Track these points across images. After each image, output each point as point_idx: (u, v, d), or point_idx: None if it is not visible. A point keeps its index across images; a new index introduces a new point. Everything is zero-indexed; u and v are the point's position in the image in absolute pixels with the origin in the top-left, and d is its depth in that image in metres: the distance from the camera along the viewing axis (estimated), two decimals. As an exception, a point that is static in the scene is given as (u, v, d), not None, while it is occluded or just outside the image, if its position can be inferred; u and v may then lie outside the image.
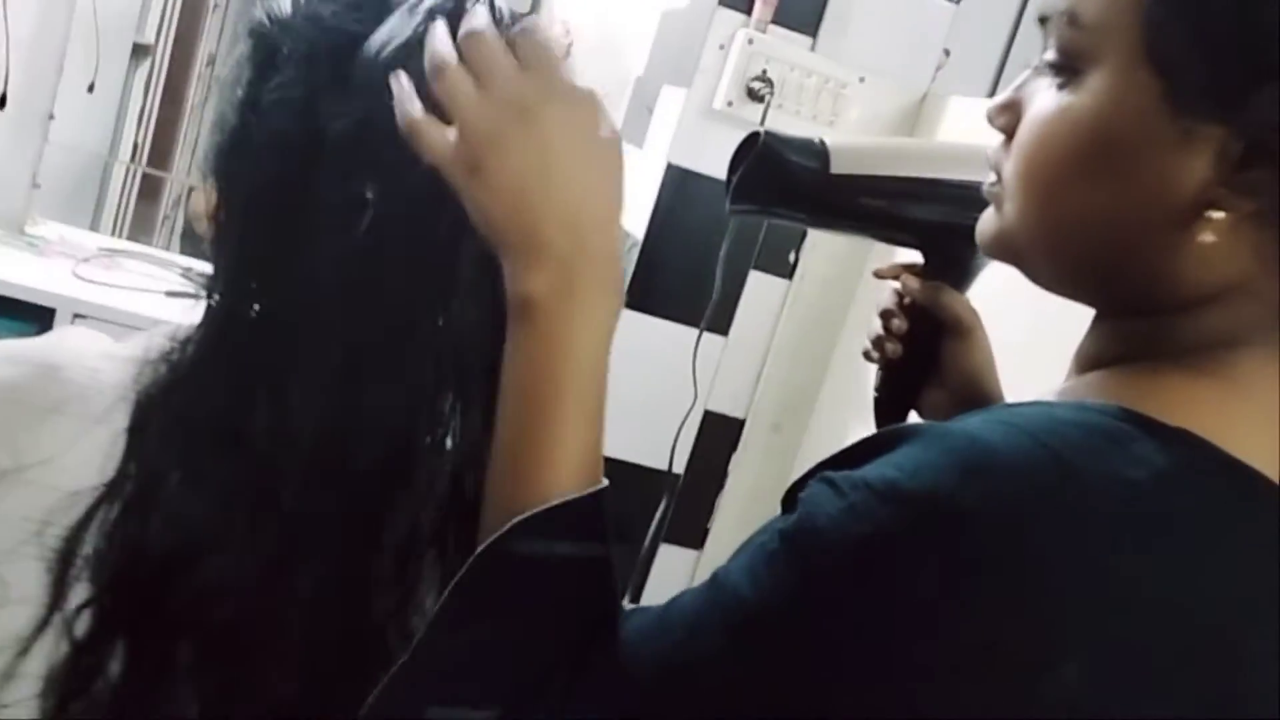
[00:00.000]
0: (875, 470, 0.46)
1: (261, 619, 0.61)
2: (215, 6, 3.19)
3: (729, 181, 0.79)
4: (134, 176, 3.11)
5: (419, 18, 0.62)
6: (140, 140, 3.13)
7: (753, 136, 0.78)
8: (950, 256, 0.77)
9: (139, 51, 3.05)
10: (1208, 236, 0.47)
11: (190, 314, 0.65)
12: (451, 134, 0.55)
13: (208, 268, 0.67)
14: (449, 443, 0.66)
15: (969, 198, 0.63)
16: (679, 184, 1.59)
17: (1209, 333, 0.49)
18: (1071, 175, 0.50)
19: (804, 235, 1.67)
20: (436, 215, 0.60)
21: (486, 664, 0.53)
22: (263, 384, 0.62)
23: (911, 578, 0.44)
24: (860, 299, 1.68)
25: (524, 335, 0.55)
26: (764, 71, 1.52)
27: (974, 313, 0.79)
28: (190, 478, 0.61)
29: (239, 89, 0.65)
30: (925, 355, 0.79)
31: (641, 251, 1.63)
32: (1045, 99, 0.51)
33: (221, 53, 3.20)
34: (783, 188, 0.78)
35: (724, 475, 1.75)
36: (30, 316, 1.59)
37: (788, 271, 1.68)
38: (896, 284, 0.81)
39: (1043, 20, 0.52)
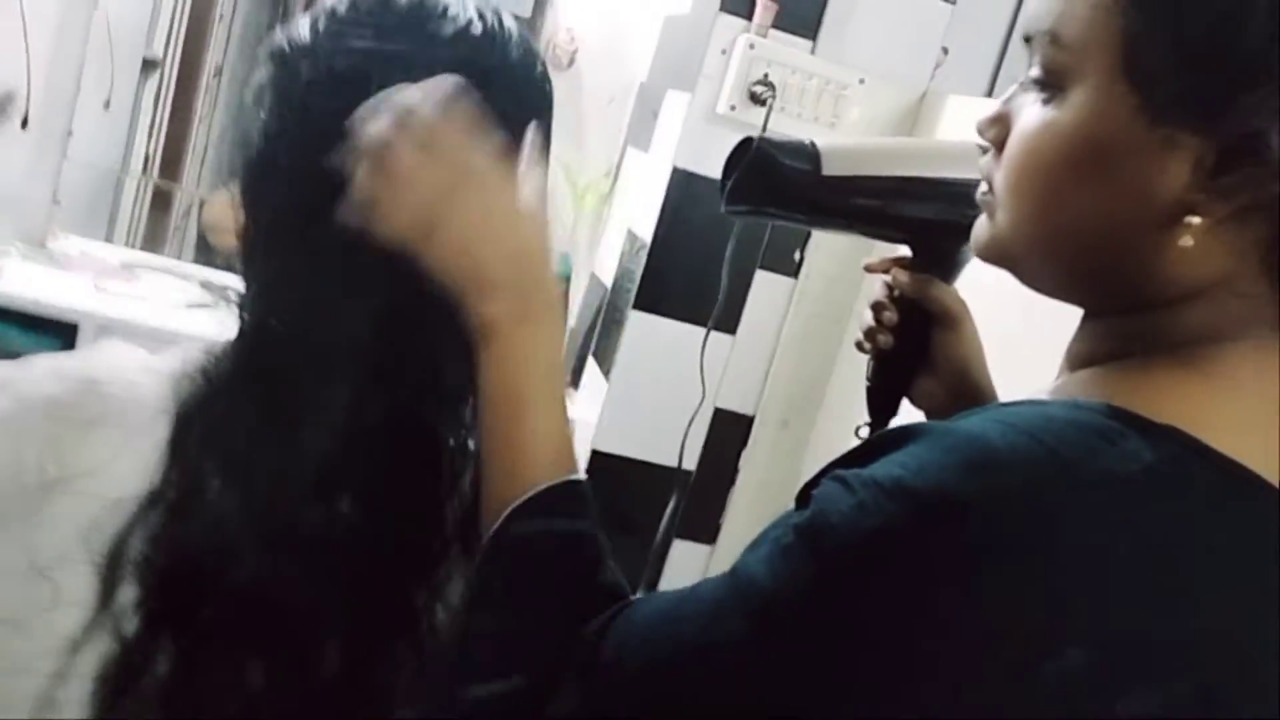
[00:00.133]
0: (883, 469, 0.49)
1: (301, 615, 0.64)
2: (221, 17, 3.23)
3: (723, 184, 0.81)
4: (146, 188, 3.15)
5: (438, 44, 0.65)
6: (151, 152, 3.16)
7: (746, 141, 0.81)
8: (938, 251, 0.80)
9: (147, 65, 3.08)
10: (1188, 239, 0.50)
11: (222, 328, 0.68)
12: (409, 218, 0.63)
13: (226, 279, 0.70)
14: (471, 445, 0.70)
15: (955, 194, 0.66)
16: (685, 187, 1.62)
17: (1194, 329, 0.52)
18: (1058, 185, 0.53)
19: (808, 234, 1.70)
20: None
21: (508, 638, 0.59)
22: (295, 395, 0.65)
23: (918, 568, 0.47)
24: (865, 296, 1.70)
25: (489, 357, 0.63)
26: (765, 75, 1.54)
27: (962, 303, 0.82)
28: (229, 483, 0.64)
29: (261, 112, 0.68)
30: (916, 345, 0.82)
31: (650, 254, 1.66)
32: (1031, 113, 0.54)
33: (229, 62, 3.23)
34: (776, 190, 0.81)
35: (735, 471, 1.77)
36: (55, 331, 1.62)
37: (793, 270, 1.71)
38: (887, 277, 0.83)
39: (1027, 39, 0.55)
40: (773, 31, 1.57)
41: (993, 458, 0.47)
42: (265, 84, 0.68)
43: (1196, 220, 0.49)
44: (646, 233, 1.68)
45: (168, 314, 1.76)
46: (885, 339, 0.83)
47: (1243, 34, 0.47)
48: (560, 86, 0.75)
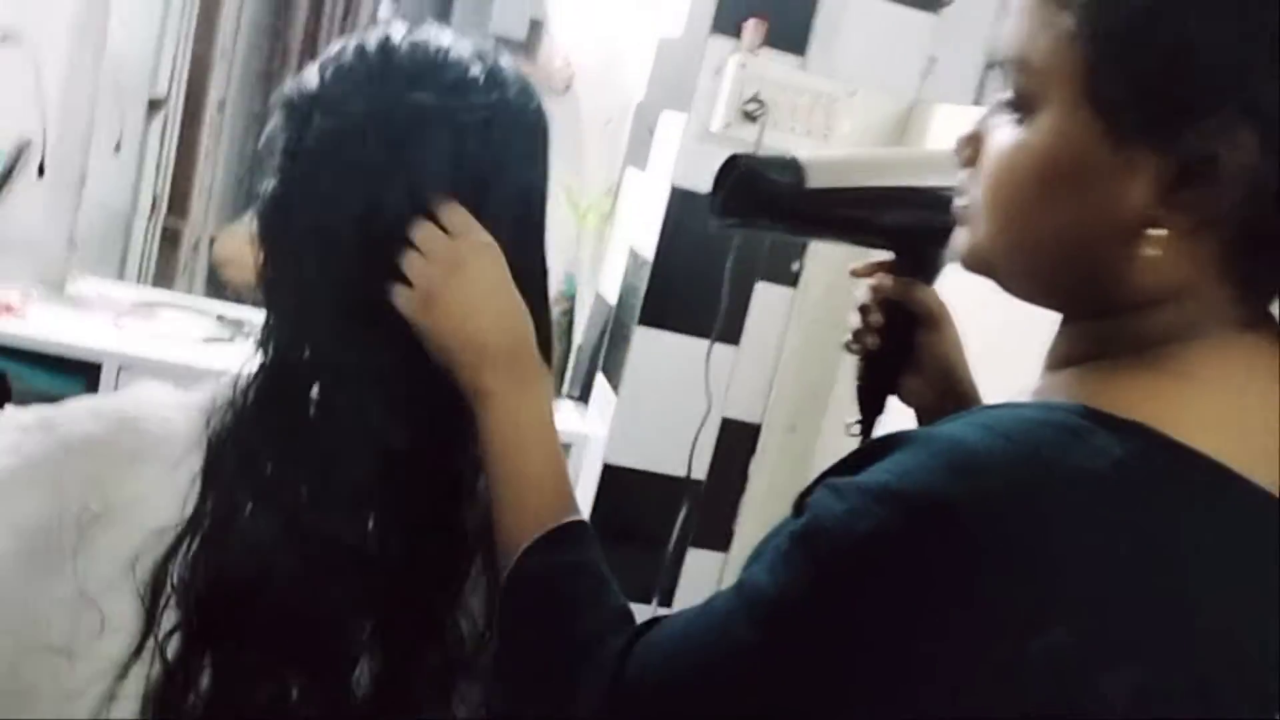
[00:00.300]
0: (871, 476, 0.53)
1: (334, 630, 0.68)
2: (223, 53, 3.28)
3: (712, 200, 0.85)
4: (155, 226, 3.20)
5: (440, 91, 0.69)
6: (159, 191, 3.21)
7: (733, 159, 0.84)
8: (919, 255, 0.84)
9: (153, 105, 3.13)
10: (1152, 249, 0.53)
11: (241, 360, 0.72)
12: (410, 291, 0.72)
13: (241, 313, 0.74)
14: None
15: (933, 201, 0.69)
16: (684, 205, 1.66)
17: (1160, 331, 0.56)
18: (1030, 201, 0.57)
19: (805, 245, 1.74)
20: None
21: (531, 663, 0.65)
22: (318, 422, 0.69)
23: (910, 567, 0.51)
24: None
25: (489, 420, 0.70)
26: (757, 93, 1.58)
27: (943, 304, 0.86)
28: (261, 509, 0.68)
29: (274, 157, 0.72)
30: (901, 345, 0.86)
31: (653, 270, 1.70)
32: (1003, 134, 0.58)
33: (231, 97, 3.28)
34: (764, 204, 0.84)
35: (745, 479, 1.81)
36: (78, 371, 1.66)
37: (792, 280, 1.75)
38: (872, 281, 0.87)
39: (998, 65, 0.59)
40: (763, 49, 1.61)
41: (972, 460, 0.51)
42: (277, 131, 0.72)
43: (1159, 233, 0.53)
44: (649, 250, 1.72)
45: (187, 349, 1.80)
46: (872, 340, 0.87)
47: (1194, 65, 0.51)
48: (559, 111, 0.79)
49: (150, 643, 0.67)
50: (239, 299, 2.56)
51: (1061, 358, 0.61)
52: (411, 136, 0.69)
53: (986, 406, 0.58)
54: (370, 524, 0.69)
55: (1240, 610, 0.52)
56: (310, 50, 3.18)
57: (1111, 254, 0.55)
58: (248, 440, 0.69)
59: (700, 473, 1.75)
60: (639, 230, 1.83)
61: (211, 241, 3.14)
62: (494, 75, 0.72)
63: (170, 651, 0.67)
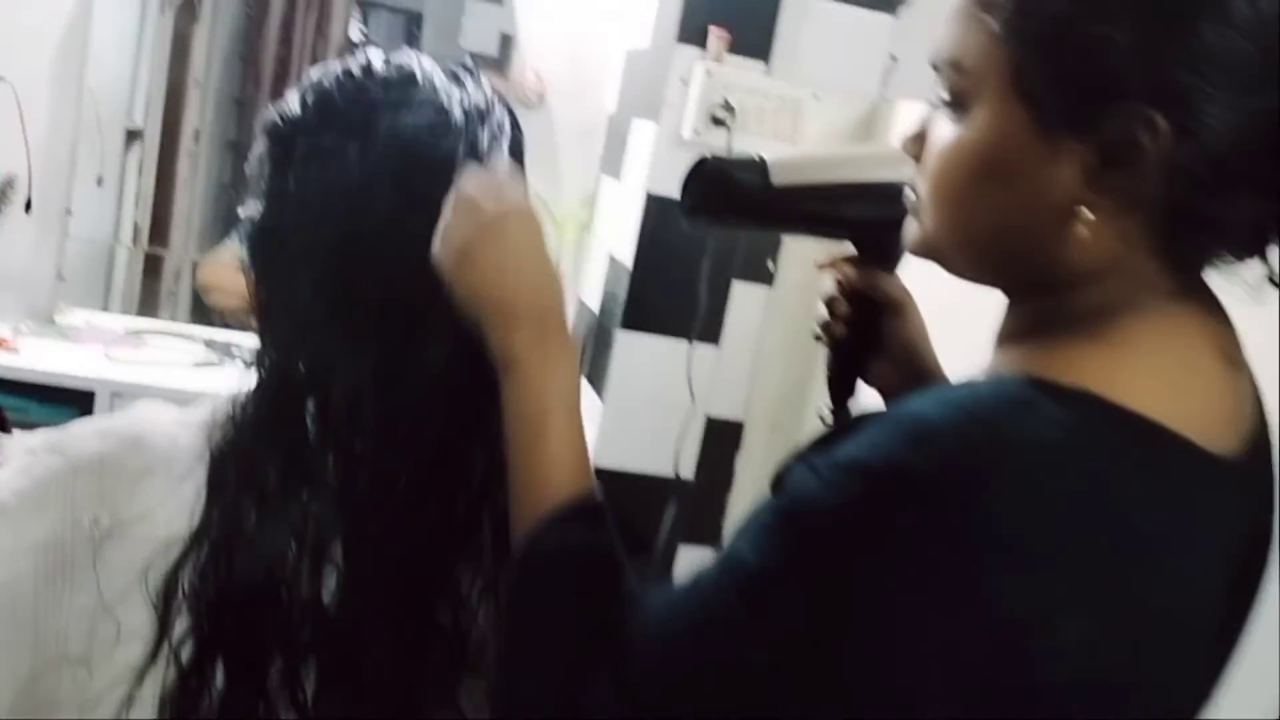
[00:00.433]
0: (843, 451, 0.57)
1: (342, 633, 0.71)
2: (197, 83, 3.30)
3: (683, 201, 0.89)
4: (138, 255, 3.22)
5: (416, 109, 0.73)
6: (139, 220, 3.23)
7: (701, 161, 0.89)
8: (879, 246, 0.88)
9: (131, 136, 3.16)
10: (1081, 230, 0.58)
11: (232, 382, 0.74)
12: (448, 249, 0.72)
13: (228, 337, 0.77)
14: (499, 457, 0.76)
15: (892, 195, 0.73)
16: (659, 211, 1.70)
17: (1096, 305, 0.60)
18: (968, 191, 0.62)
19: (779, 242, 1.78)
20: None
21: (542, 638, 0.66)
22: (315, 434, 0.73)
23: (880, 531, 0.55)
24: (837, 297, 1.78)
25: (513, 383, 0.69)
26: (725, 100, 1.63)
27: (906, 291, 0.90)
28: (264, 517, 0.71)
29: (261, 182, 0.75)
30: (867, 332, 0.90)
31: (632, 276, 1.74)
32: (942, 130, 0.63)
33: (206, 124, 3.30)
34: (731, 202, 0.88)
35: (731, 475, 1.85)
36: (72, 400, 1.69)
37: (768, 278, 1.79)
38: (836, 273, 0.91)
39: (935, 67, 0.63)
40: (729, 56, 1.65)
41: (933, 432, 0.55)
42: (263, 157, 0.75)
43: (1088, 214, 0.57)
44: (627, 256, 1.76)
45: (179, 375, 1.83)
46: (839, 329, 0.91)
47: (1107, 57, 0.55)
48: (532, 124, 0.82)
49: (164, 649, 0.69)
50: (225, 324, 2.59)
51: (1009, 334, 0.66)
52: (393, 160, 0.72)
53: (946, 385, 0.62)
54: (376, 526, 0.72)
55: (1185, 562, 0.56)
56: (283, 76, 3.21)
57: (1046, 236, 0.59)
58: (249, 453, 0.72)
59: (688, 471, 1.78)
60: (617, 237, 1.87)
61: (194, 268, 3.16)
62: (470, 94, 0.76)
63: (184, 657, 0.69)
